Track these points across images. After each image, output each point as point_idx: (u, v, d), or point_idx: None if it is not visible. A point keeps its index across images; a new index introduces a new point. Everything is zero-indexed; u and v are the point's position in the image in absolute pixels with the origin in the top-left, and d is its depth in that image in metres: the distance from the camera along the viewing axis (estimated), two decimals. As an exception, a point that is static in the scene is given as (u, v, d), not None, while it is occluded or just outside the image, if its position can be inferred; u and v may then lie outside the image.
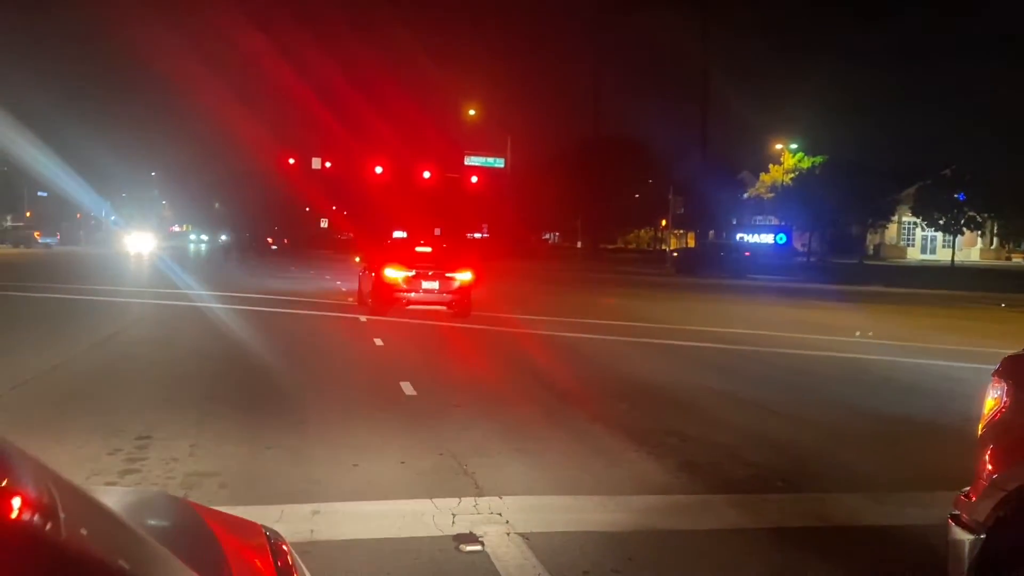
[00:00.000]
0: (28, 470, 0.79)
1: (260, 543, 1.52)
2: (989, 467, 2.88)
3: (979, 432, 3.03)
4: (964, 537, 2.85)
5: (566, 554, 4.19)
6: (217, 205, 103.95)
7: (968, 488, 2.96)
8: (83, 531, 0.55)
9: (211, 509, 1.59)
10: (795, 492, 5.45)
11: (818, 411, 8.25)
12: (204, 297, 18.59)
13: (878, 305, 23.31)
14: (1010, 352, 3.09)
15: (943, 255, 59.90)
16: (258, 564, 1.41)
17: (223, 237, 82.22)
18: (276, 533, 1.60)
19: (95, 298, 17.84)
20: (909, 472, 6.09)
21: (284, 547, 1.53)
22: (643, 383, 9.45)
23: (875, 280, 34.76)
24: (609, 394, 8.72)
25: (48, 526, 0.59)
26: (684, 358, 11.78)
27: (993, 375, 3.00)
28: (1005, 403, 2.88)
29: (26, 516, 0.70)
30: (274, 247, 74.44)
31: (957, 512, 2.95)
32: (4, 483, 0.74)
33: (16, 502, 0.71)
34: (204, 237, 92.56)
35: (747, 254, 47.03)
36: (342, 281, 25.14)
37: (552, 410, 7.75)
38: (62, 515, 0.72)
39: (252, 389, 8.33)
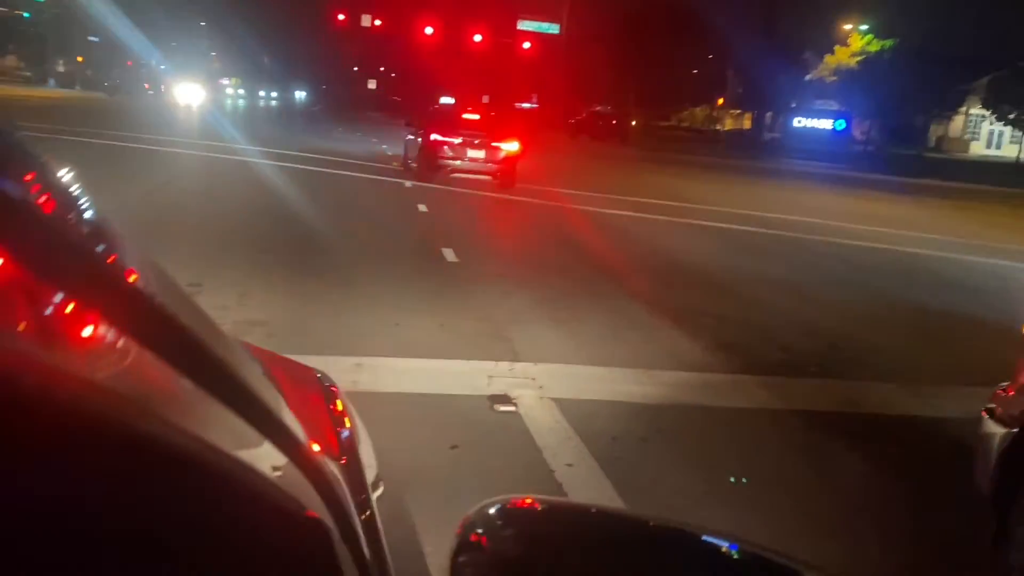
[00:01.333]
0: (133, 251, 0.90)
1: (314, 384, 1.59)
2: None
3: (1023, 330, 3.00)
4: (996, 431, 2.87)
5: (596, 421, 4.32)
6: (267, 59, 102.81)
7: (1007, 383, 2.96)
8: (179, 313, 0.59)
9: (264, 350, 1.65)
10: (828, 377, 5.50)
11: (860, 301, 8.20)
12: (251, 152, 18.69)
13: (933, 199, 22.68)
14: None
15: (1009, 151, 57.54)
16: (312, 402, 1.48)
17: (269, 93, 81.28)
18: (327, 377, 1.66)
19: (146, 147, 18.04)
20: (946, 366, 6.09)
21: (335, 389, 1.60)
22: (685, 263, 9.43)
23: (934, 173, 33.63)
24: (650, 272, 8.74)
25: (156, 298, 0.65)
26: (729, 240, 11.68)
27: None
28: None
29: (140, 285, 0.78)
30: (316, 107, 73.66)
31: (992, 406, 2.96)
32: (116, 257, 0.83)
33: (130, 273, 0.80)
34: (242, 92, 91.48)
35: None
36: (388, 145, 25.03)
37: (592, 284, 7.81)
38: (161, 295, 0.79)
39: (298, 246, 8.49)
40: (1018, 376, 2.82)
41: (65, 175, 0.97)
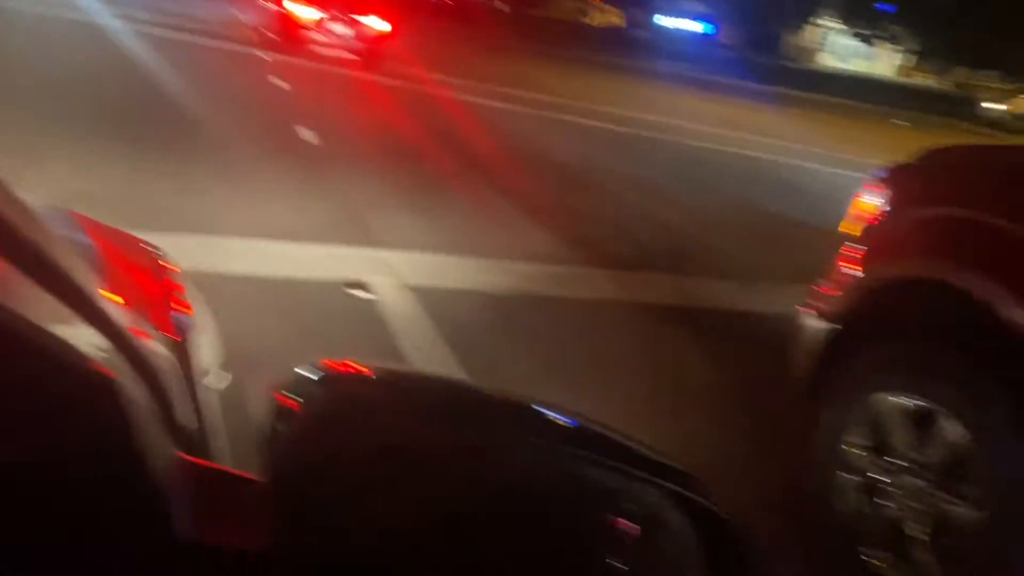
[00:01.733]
0: None
1: (144, 257, 1.50)
2: (849, 264, 3.08)
3: (845, 230, 3.21)
4: (811, 324, 3.10)
5: (450, 309, 4.37)
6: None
7: (824, 281, 3.18)
8: None
9: (90, 219, 1.54)
10: (676, 273, 5.77)
11: (711, 202, 8.56)
12: (91, 10, 17.05)
13: (787, 108, 23.64)
14: (898, 162, 3.22)
15: (858, 66, 60.42)
16: (140, 277, 1.40)
17: None
18: (161, 251, 1.58)
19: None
20: (782, 266, 6.48)
21: (169, 264, 1.52)
22: (548, 157, 9.50)
23: (789, 83, 34.94)
24: (514, 164, 8.74)
25: None
26: (593, 137, 11.82)
27: (874, 181, 3.14)
28: (880, 207, 3.05)
29: None
30: None
31: (809, 302, 3.19)
32: None
33: None
34: None
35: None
36: (244, 12, 23.41)
37: (453, 173, 7.74)
38: None
39: (143, 116, 7.93)
40: (832, 275, 3.05)
41: None
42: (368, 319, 4.08)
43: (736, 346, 4.66)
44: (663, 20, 53.89)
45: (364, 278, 4.57)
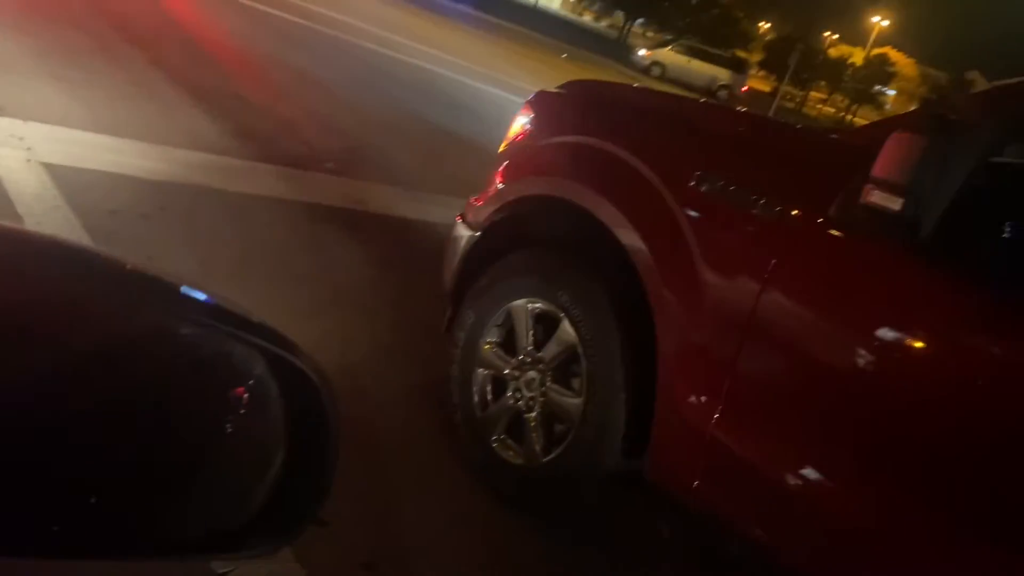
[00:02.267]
0: None
1: None
2: (499, 180, 3.34)
3: (499, 150, 3.48)
4: (463, 234, 3.34)
5: (94, 193, 4.00)
6: None
7: (478, 195, 3.43)
8: None
9: None
10: (341, 176, 5.78)
11: (383, 108, 8.63)
12: None
13: (472, 30, 24.25)
14: (544, 89, 3.52)
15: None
16: None
17: None
18: None
19: None
20: (444, 178, 6.79)
21: None
22: (218, 41, 8.86)
23: (481, 7, 35.75)
24: (180, 44, 8.05)
25: None
26: (272, 27, 11.21)
27: (525, 104, 3.41)
28: (526, 129, 3.33)
29: None
30: None
31: (464, 213, 3.42)
32: None
33: None
34: None
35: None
36: None
37: (109, 44, 6.95)
38: None
39: None
40: (487, 189, 3.30)
41: None
42: (-10, 196, 3.61)
43: (395, 251, 4.85)
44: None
45: (-14, 149, 4.01)
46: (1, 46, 5.72)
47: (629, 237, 2.57)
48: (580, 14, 69.01)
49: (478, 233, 3.28)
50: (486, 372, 3.01)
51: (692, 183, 2.45)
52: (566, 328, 2.74)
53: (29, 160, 4.06)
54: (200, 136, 5.46)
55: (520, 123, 3.40)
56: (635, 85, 3.87)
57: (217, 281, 3.57)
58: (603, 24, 68.34)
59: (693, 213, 2.44)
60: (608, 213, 2.64)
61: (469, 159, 7.67)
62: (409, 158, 7.03)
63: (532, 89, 3.69)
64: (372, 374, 3.36)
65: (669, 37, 52.06)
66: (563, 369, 2.79)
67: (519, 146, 3.34)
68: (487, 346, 3.02)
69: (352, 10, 16.41)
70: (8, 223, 0.65)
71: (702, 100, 4.47)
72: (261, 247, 4.19)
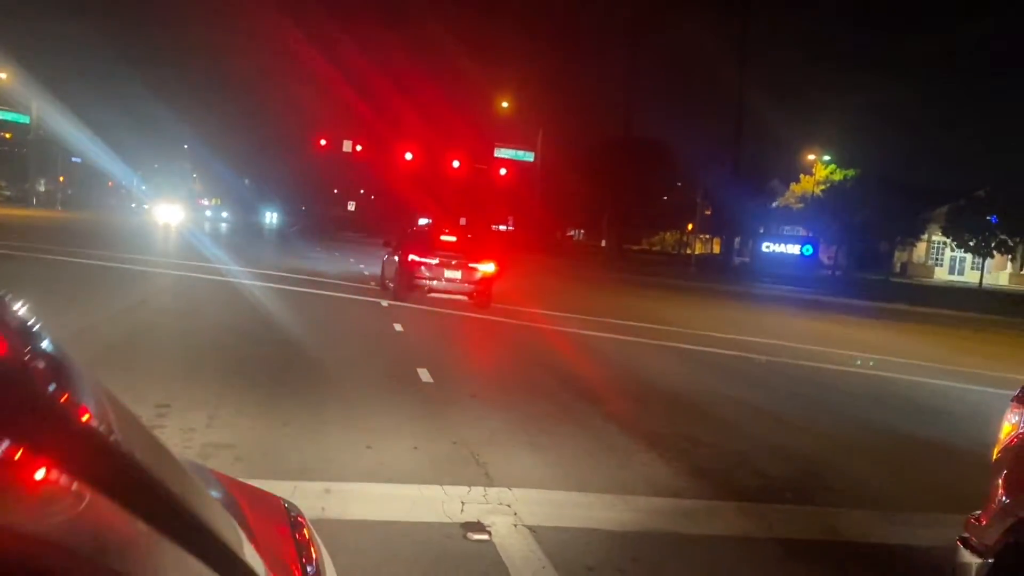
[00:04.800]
0: (89, 386, 0.87)
1: (280, 515, 1.56)
2: (1002, 492, 2.86)
3: (994, 457, 3.02)
4: (971, 560, 2.84)
5: (572, 549, 4.22)
6: (247, 181, 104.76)
7: (979, 512, 2.95)
8: (136, 451, 0.59)
9: (232, 478, 1.63)
10: (805, 504, 5.43)
11: (833, 425, 8.21)
12: (229, 271, 18.77)
13: (901, 323, 23.07)
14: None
15: (971, 277, 59.10)
16: (278, 535, 1.45)
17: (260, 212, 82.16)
18: (295, 507, 1.63)
19: (123, 266, 18.06)
20: (921, 492, 6.05)
21: (302, 520, 1.56)
22: (660, 386, 9.44)
23: (900, 298, 34.37)
24: (625, 394, 8.72)
25: (111, 437, 0.64)
26: (703, 363, 11.75)
27: (1012, 401, 2.99)
28: (1022, 431, 2.87)
29: (94, 424, 0.76)
30: (294, 227, 74.09)
31: (967, 535, 2.94)
32: (69, 395, 0.80)
33: (83, 412, 0.78)
34: (224, 215, 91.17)
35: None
36: (365, 265, 25.26)
37: (567, 406, 7.77)
38: (118, 432, 0.78)
39: (272, 365, 8.41)
40: (989, 505, 2.82)
41: (21, 309, 0.96)
42: (488, 563, 3.97)
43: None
44: (763, 246, 54.83)
45: (483, 519, 4.50)
46: (485, 423, 6.67)
47: None
48: (1021, 283, 62.30)
49: (990, 560, 2.77)
50: None
51: None
52: None
53: (516, 525, 4.46)
54: (657, 480, 5.61)
55: (1012, 422, 2.95)
56: None
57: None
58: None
59: None
60: None
61: (947, 467, 6.82)
62: (875, 474, 6.44)
63: (989, 375, 3.24)
64: None
65: None
66: None
67: (1018, 449, 2.86)
68: None
69: (771, 331, 16.66)
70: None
71: None
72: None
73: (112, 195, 78.26)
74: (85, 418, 0.75)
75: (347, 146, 48.85)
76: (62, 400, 0.76)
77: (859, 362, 13.05)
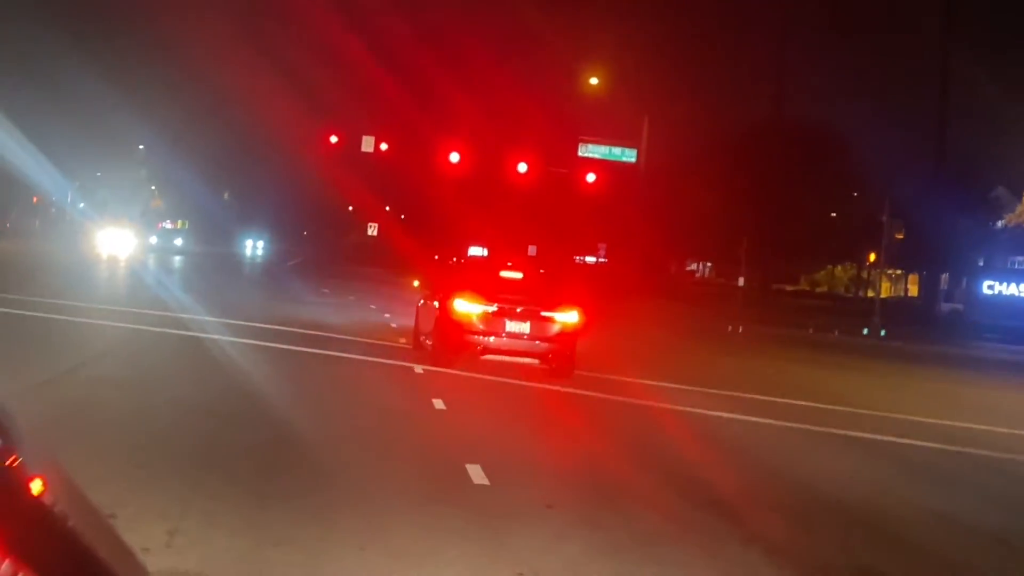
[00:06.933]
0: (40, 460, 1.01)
1: None
2: None
3: None
4: None
5: None
6: (227, 195, 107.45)
7: None
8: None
9: None
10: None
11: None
12: (200, 324, 19.13)
13: None
14: None
15: None
16: None
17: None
18: None
19: (49, 316, 18.56)
20: None
21: None
22: (825, 493, 9.28)
23: None
24: (773, 505, 8.58)
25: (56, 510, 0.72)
26: (888, 459, 11.52)
27: None
28: None
29: (45, 498, 0.87)
30: (293, 261, 75.58)
31: None
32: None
33: (37, 484, 0.92)
34: (177, 242, 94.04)
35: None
36: (392, 314, 25.54)
37: (688, 523, 7.68)
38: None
39: (260, 459, 8.52)
40: None
41: None
42: None
43: None
44: (984, 286, 53.44)
45: None
46: (560, 546, 6.64)
47: None
48: None
49: None
50: None
51: None
52: None
53: None
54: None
55: None
56: None
57: None
58: None
59: None
60: None
61: None
62: None
63: None
64: None
65: None
66: None
67: None
68: None
69: (1006, 416, 16.20)
70: None
71: None
72: None
73: (34, 215, 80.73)
74: (37, 489, 0.84)
75: (368, 144, 48.90)
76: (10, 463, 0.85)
77: None
